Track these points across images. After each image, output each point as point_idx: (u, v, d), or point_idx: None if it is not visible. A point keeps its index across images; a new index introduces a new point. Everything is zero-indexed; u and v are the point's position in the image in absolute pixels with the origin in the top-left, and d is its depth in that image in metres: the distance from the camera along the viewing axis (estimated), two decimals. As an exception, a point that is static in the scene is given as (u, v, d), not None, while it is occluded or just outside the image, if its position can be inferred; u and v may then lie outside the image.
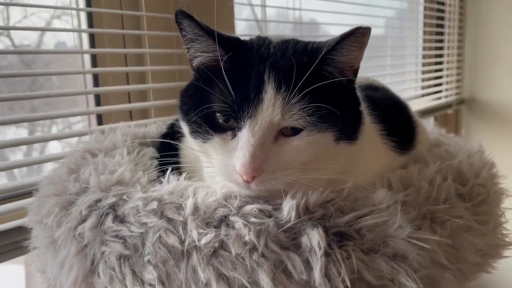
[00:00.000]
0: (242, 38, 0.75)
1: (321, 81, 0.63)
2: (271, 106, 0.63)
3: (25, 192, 1.05)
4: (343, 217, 0.63)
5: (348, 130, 0.68)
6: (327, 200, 0.65)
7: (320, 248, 0.58)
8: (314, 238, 0.59)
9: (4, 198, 1.05)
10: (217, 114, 0.66)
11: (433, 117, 2.75)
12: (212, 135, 0.67)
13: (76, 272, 0.65)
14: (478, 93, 2.93)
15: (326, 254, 0.58)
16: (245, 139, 0.63)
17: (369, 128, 0.78)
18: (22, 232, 0.96)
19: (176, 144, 0.86)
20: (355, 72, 0.70)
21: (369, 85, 1.00)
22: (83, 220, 0.68)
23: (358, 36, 0.64)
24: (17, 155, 1.32)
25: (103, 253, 0.64)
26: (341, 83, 0.67)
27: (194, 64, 0.72)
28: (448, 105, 2.78)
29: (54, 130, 1.42)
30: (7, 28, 1.18)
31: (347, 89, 0.70)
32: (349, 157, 0.71)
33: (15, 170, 1.28)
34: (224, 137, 0.66)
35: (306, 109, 0.63)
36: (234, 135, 0.65)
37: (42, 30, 1.25)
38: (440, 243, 0.64)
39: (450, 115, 2.87)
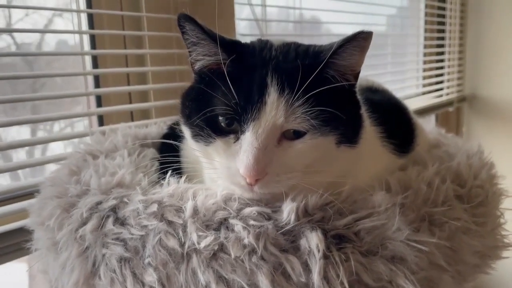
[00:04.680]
0: (243, 41, 0.75)
1: (323, 85, 0.63)
2: (274, 109, 0.63)
3: (27, 193, 1.06)
4: (342, 220, 0.63)
5: (349, 134, 0.68)
6: (326, 203, 0.65)
7: (318, 250, 0.59)
8: (313, 240, 0.60)
9: (7, 198, 1.05)
10: (220, 118, 0.66)
11: (435, 114, 2.75)
12: (215, 139, 0.67)
13: (78, 274, 0.65)
14: (480, 91, 2.92)
15: (325, 257, 0.59)
16: (248, 141, 0.63)
17: (369, 131, 0.78)
18: (24, 233, 0.98)
19: (177, 145, 0.87)
20: (356, 76, 0.70)
21: (369, 87, 1.00)
22: (84, 223, 0.69)
23: (360, 41, 0.64)
24: (19, 153, 1.32)
25: (104, 255, 0.65)
26: (342, 87, 0.68)
27: (195, 68, 0.73)
28: (449, 103, 2.77)
29: (56, 128, 1.42)
30: (8, 31, 1.19)
31: (348, 93, 0.70)
32: (349, 160, 0.71)
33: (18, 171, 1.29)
34: (227, 141, 0.66)
35: (309, 112, 0.63)
36: (237, 139, 0.65)
37: (42, 32, 1.25)
38: (438, 245, 0.65)
39: (452, 112, 2.87)
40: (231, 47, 0.68)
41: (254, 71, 0.66)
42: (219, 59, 0.67)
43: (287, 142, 0.65)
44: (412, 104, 2.07)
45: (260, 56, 0.69)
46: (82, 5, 1.22)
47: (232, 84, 0.64)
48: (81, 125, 1.41)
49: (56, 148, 1.34)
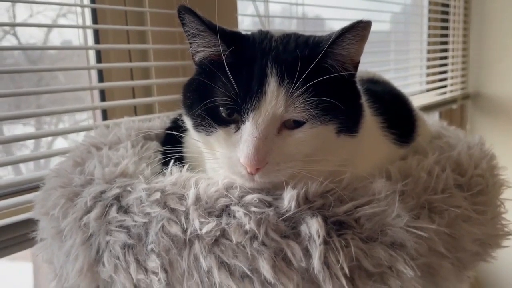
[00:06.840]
0: (244, 32, 0.76)
1: (323, 74, 0.64)
2: (274, 99, 0.64)
3: (32, 187, 1.07)
4: (342, 207, 0.64)
5: (349, 123, 0.69)
6: (327, 190, 0.66)
7: (319, 236, 0.59)
8: (313, 226, 0.60)
9: (12, 192, 1.07)
10: (221, 108, 0.67)
11: (438, 112, 2.75)
12: (216, 128, 0.68)
13: (82, 261, 0.66)
14: (483, 88, 2.92)
15: (325, 242, 0.60)
16: (248, 131, 0.64)
17: (370, 120, 0.79)
18: (29, 225, 0.99)
19: (180, 138, 0.87)
20: (356, 65, 0.70)
21: (370, 79, 1.01)
22: (88, 211, 0.70)
23: (359, 30, 0.64)
24: (24, 153, 1.33)
25: (107, 242, 0.66)
26: (342, 76, 0.68)
27: (196, 59, 0.73)
28: (453, 100, 2.77)
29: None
30: (13, 25, 1.20)
31: (348, 82, 0.71)
32: (350, 149, 0.72)
33: (22, 167, 1.30)
34: (228, 130, 0.67)
35: (309, 102, 0.64)
36: (238, 128, 0.66)
37: (47, 26, 1.26)
38: (438, 232, 0.65)
39: (455, 110, 2.87)
40: (231, 38, 0.69)
41: (254, 61, 0.66)
42: (219, 50, 0.67)
43: (287, 132, 0.66)
44: (416, 101, 2.06)
45: (260, 47, 0.69)
46: (86, 0, 1.23)
47: (232, 75, 0.65)
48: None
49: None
